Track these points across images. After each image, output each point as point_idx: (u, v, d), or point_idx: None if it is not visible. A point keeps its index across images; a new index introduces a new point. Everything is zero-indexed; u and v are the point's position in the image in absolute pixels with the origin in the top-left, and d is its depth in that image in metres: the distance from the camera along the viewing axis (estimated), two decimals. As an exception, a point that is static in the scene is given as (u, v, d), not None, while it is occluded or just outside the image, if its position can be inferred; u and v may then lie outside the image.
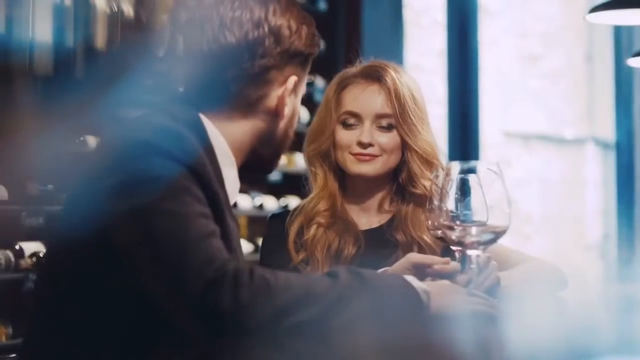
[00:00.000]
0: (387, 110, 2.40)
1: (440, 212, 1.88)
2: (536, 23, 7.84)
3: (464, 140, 6.47)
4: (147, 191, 1.61)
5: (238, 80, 1.80)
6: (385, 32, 5.73)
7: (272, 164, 1.94)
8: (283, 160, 5.13)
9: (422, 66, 6.52)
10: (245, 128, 1.83)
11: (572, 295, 2.39)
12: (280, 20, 1.81)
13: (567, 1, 8.03)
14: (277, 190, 5.24)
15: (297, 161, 5.12)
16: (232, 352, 1.61)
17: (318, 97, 5.12)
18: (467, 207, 1.85)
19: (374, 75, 2.43)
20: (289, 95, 1.85)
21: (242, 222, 5.24)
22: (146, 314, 1.63)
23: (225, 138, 1.81)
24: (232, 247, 1.73)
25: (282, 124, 1.87)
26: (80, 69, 3.79)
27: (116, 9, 3.78)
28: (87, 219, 1.66)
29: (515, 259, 2.37)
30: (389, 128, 2.41)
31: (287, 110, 1.85)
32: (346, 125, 2.42)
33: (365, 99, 2.41)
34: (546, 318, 2.01)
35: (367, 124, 2.40)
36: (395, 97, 2.39)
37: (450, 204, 1.87)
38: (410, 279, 1.80)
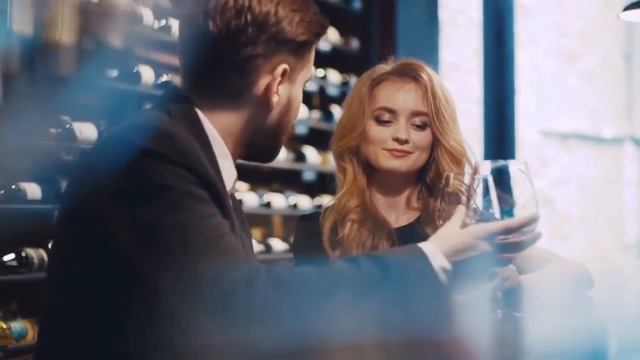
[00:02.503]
0: (423, 108, 2.42)
1: (467, 210, 1.87)
2: (573, 21, 7.79)
3: (500, 139, 6.43)
4: (148, 200, 1.59)
5: (223, 70, 1.78)
6: (420, 31, 5.72)
7: (272, 153, 1.92)
8: (317, 159, 5.13)
9: (458, 65, 6.49)
10: (235, 118, 1.81)
11: (608, 294, 2.37)
12: (265, 8, 1.77)
13: (604, -1, 7.97)
14: (311, 190, 5.25)
15: (331, 160, 5.11)
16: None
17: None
18: (490, 206, 1.84)
19: (410, 74, 2.45)
20: (280, 84, 1.81)
21: (277, 221, 5.25)
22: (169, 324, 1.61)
23: (217, 129, 1.79)
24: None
25: (275, 113, 1.83)
26: (102, 68, 3.82)
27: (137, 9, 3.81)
28: (86, 223, 1.64)
29: (543, 259, 2.36)
30: (422, 126, 2.42)
31: (276, 99, 1.81)
32: (380, 121, 2.43)
33: (402, 96, 2.42)
34: (573, 318, 2.00)
35: (402, 120, 2.41)
36: (432, 96, 2.41)
37: (477, 201, 1.86)
38: (432, 253, 1.73)
